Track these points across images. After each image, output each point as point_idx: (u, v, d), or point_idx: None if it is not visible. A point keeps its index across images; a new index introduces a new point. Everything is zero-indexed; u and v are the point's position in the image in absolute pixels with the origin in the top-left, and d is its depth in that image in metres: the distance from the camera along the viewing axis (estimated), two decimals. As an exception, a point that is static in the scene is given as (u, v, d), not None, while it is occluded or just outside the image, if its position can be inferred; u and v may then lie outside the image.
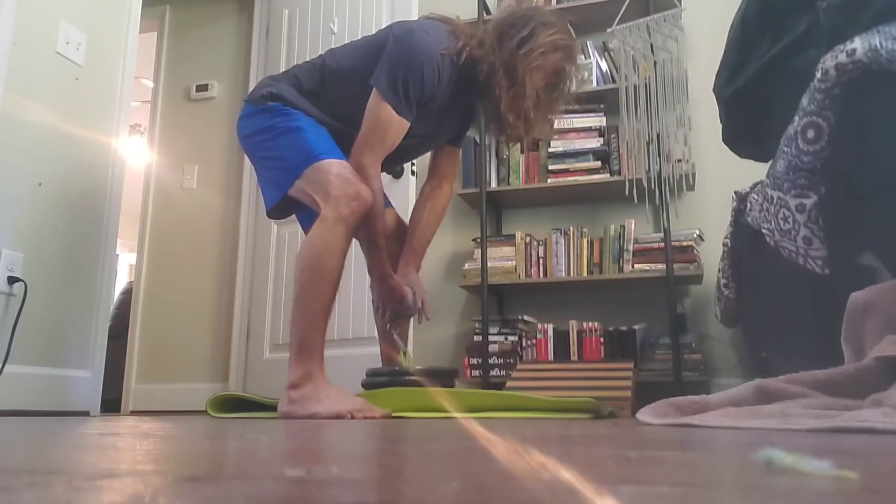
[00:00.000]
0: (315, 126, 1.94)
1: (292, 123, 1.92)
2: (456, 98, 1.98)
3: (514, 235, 3.06)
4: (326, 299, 1.82)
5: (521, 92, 1.89)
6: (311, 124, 1.94)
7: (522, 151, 3.16)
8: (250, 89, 3.69)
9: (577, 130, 3.06)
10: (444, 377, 2.03)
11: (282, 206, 1.98)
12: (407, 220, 2.22)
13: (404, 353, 2.05)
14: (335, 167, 1.85)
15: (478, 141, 3.17)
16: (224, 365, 3.51)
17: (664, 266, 2.79)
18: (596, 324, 2.90)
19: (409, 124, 1.90)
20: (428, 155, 2.26)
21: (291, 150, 1.90)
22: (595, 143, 3.03)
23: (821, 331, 1.56)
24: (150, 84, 4.25)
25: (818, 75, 1.46)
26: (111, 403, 3.42)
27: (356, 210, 1.81)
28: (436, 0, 2.90)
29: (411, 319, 2.14)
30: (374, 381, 1.98)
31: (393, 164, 2.17)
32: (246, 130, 2.02)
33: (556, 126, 3.06)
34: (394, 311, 2.05)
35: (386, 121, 1.87)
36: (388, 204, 2.18)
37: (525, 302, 3.19)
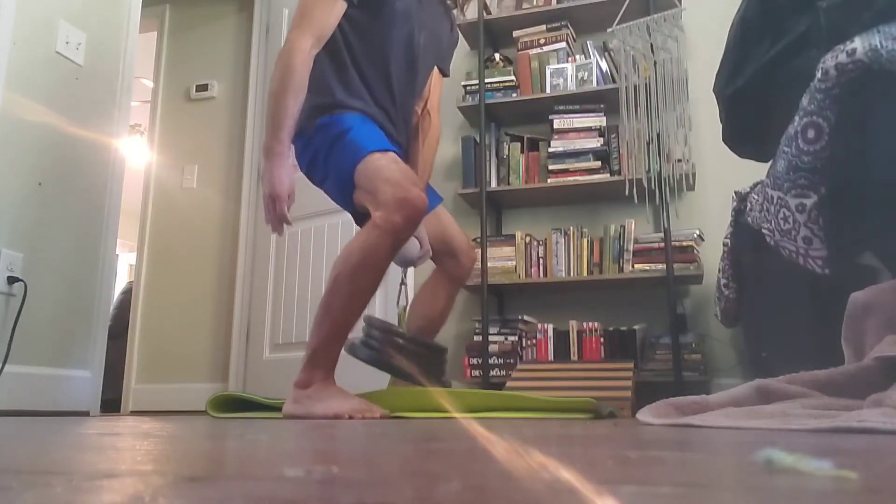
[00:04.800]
0: (363, 122, 1.88)
1: (340, 129, 1.85)
2: None
3: (514, 235, 3.06)
4: (354, 312, 1.76)
5: None
6: (358, 121, 1.87)
7: (522, 151, 3.16)
8: (251, 89, 3.75)
9: (577, 130, 3.06)
10: (434, 354, 1.96)
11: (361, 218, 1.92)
12: None
13: (404, 310, 2.03)
14: (383, 169, 1.77)
15: (477, 141, 3.17)
16: (224, 365, 3.51)
17: (664, 266, 2.79)
18: (596, 324, 2.90)
19: (343, 3, 1.87)
20: None
21: (342, 160, 1.82)
22: (595, 143, 3.03)
23: (821, 331, 1.56)
24: (150, 84, 4.25)
25: (818, 75, 1.46)
26: (111, 403, 3.42)
27: (408, 217, 1.70)
28: None
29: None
30: (369, 334, 1.90)
31: (414, 77, 2.04)
32: (303, 164, 1.95)
33: (556, 126, 3.07)
34: (410, 259, 1.97)
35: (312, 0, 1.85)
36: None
37: (525, 302, 3.19)
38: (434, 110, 2.17)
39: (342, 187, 1.85)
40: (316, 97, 1.89)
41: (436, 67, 2.17)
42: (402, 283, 2.04)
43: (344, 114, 1.89)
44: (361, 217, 1.89)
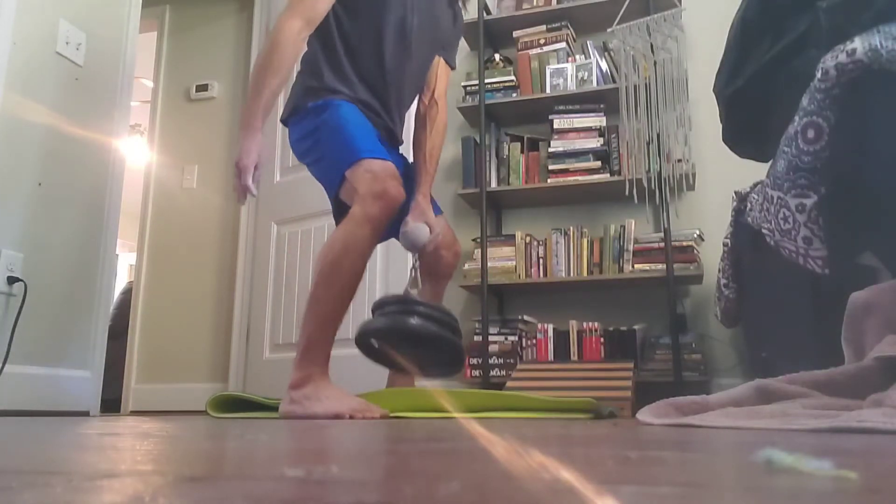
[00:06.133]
0: (356, 115, 1.97)
1: (336, 120, 1.94)
2: None
3: (514, 235, 3.06)
4: (341, 303, 1.79)
5: None
6: (352, 114, 1.96)
7: (522, 151, 3.16)
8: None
9: (577, 130, 3.06)
10: (449, 317, 1.90)
11: (338, 208, 1.99)
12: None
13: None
14: (366, 165, 1.87)
15: (477, 141, 3.17)
16: (224, 365, 3.51)
17: (664, 266, 2.78)
18: (596, 324, 2.90)
19: None
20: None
21: (337, 156, 1.92)
22: (595, 143, 3.03)
23: (821, 331, 1.56)
24: (150, 84, 4.25)
25: (818, 75, 1.46)
26: (111, 403, 3.42)
27: (383, 208, 1.81)
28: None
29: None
30: (384, 311, 1.86)
31: (408, 61, 2.09)
32: (293, 138, 2.06)
33: (556, 126, 3.07)
34: (419, 244, 2.01)
35: None
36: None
37: (525, 302, 3.19)
38: (441, 98, 2.23)
39: (331, 179, 1.96)
40: (308, 78, 2.01)
41: (442, 60, 2.22)
42: (413, 267, 2.06)
43: (335, 99, 1.97)
44: (339, 207, 1.97)
